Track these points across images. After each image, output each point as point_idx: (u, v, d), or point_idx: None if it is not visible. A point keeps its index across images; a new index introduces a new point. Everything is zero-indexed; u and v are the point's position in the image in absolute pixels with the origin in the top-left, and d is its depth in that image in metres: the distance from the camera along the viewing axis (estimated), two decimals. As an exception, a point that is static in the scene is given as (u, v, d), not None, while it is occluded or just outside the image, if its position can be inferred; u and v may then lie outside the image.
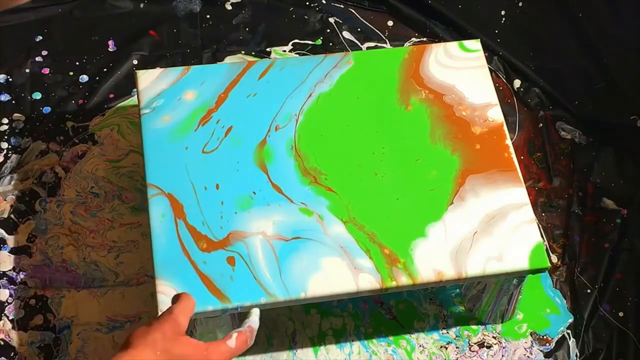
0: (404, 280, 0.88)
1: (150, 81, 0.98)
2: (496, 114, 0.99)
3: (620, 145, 1.18)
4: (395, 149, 0.96)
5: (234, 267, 0.88)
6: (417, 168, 0.94)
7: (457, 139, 0.96)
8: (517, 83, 1.24)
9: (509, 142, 0.97)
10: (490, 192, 0.93)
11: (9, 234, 1.07)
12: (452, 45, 1.04)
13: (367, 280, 0.88)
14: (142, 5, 1.25)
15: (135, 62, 1.20)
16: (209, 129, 0.96)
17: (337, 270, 0.88)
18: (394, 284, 0.88)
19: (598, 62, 1.24)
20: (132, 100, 1.16)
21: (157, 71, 0.99)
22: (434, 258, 0.89)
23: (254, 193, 0.92)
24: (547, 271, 0.94)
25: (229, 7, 1.26)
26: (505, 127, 0.98)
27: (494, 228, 0.91)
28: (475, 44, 1.04)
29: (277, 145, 0.95)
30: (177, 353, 0.73)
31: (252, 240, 0.89)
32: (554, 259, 1.10)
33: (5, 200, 1.09)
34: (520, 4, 1.28)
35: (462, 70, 1.02)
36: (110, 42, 1.21)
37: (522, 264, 0.90)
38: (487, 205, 0.92)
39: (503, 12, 1.28)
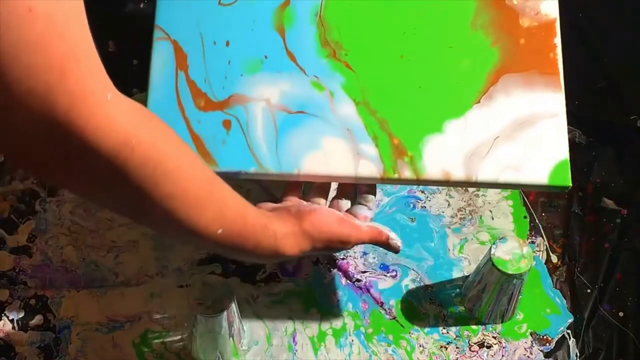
0: (407, 174, 0.82)
1: None
2: (550, 8, 0.88)
3: (620, 145, 1.18)
4: (430, 31, 0.86)
5: (229, 131, 0.83)
6: (449, 55, 0.85)
7: (502, 30, 0.86)
8: (517, 83, 1.23)
9: (558, 41, 0.87)
10: (523, 95, 0.84)
11: (9, 234, 1.07)
12: None
13: (367, 167, 0.82)
14: (142, 5, 1.25)
15: (135, 62, 1.20)
16: None
17: (337, 152, 0.83)
18: (396, 176, 0.82)
19: (598, 62, 1.24)
20: (132, 100, 1.16)
21: None
22: (446, 157, 0.82)
23: (265, 57, 0.85)
24: (567, 192, 0.79)
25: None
26: (557, 24, 0.88)
27: (519, 135, 0.82)
28: None
29: (300, 8, 0.87)
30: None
31: (254, 106, 0.83)
32: (554, 259, 1.10)
33: (5, 200, 1.09)
34: (520, 4, 1.28)
35: None
36: (110, 42, 1.21)
37: (542, 178, 0.82)
38: (517, 108, 0.83)
39: (503, 12, 1.28)
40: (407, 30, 0.86)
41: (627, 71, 1.23)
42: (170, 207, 0.61)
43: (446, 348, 1.02)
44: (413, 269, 1.07)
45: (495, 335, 1.03)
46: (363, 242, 0.85)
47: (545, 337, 1.04)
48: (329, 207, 0.87)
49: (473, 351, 1.02)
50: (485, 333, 1.03)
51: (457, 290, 1.06)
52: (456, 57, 0.85)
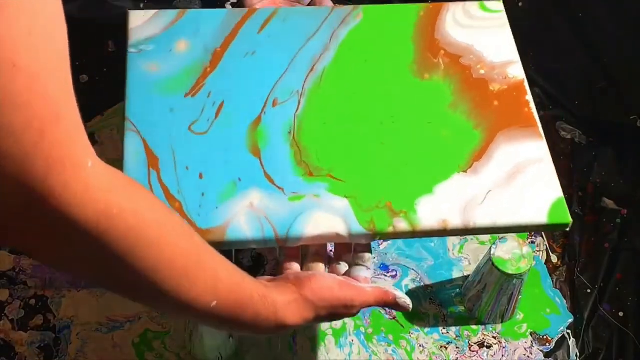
0: (403, 226, 0.80)
1: (143, 22, 0.88)
2: (517, 71, 0.91)
3: (620, 145, 1.19)
4: (408, 116, 0.87)
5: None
6: (431, 131, 0.86)
7: (481, 109, 0.88)
8: (517, 83, 1.24)
9: (529, 98, 0.89)
10: (508, 150, 0.85)
11: (9, 234, 1.07)
12: (472, 5, 0.95)
13: (359, 228, 0.80)
14: (142, 6, 1.25)
15: (135, 62, 1.20)
16: (198, 104, 0.85)
17: (329, 218, 0.80)
18: (391, 229, 0.80)
19: (598, 62, 1.24)
20: (132, 100, 1.16)
21: (151, 13, 0.89)
22: (440, 209, 0.81)
23: (240, 180, 0.81)
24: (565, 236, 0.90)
25: (229, 7, 1.26)
26: (526, 84, 0.90)
27: (511, 183, 0.83)
28: (497, 5, 0.95)
29: (272, 125, 0.85)
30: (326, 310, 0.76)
31: (237, 219, 0.79)
32: (554, 259, 1.10)
33: (5, 200, 1.09)
34: (520, 3, 1.28)
35: (482, 29, 0.93)
36: (110, 42, 1.21)
37: (540, 217, 0.81)
38: (504, 165, 0.84)
39: (503, 12, 1.28)
40: (384, 120, 0.86)
41: (627, 71, 1.23)
42: (156, 279, 0.57)
43: (446, 348, 1.02)
44: (413, 269, 1.07)
45: (495, 335, 1.03)
46: (369, 305, 0.80)
47: (545, 337, 1.04)
48: (328, 272, 0.83)
49: (473, 351, 1.02)
50: (485, 333, 1.03)
51: (457, 290, 1.06)
52: (437, 131, 0.86)
